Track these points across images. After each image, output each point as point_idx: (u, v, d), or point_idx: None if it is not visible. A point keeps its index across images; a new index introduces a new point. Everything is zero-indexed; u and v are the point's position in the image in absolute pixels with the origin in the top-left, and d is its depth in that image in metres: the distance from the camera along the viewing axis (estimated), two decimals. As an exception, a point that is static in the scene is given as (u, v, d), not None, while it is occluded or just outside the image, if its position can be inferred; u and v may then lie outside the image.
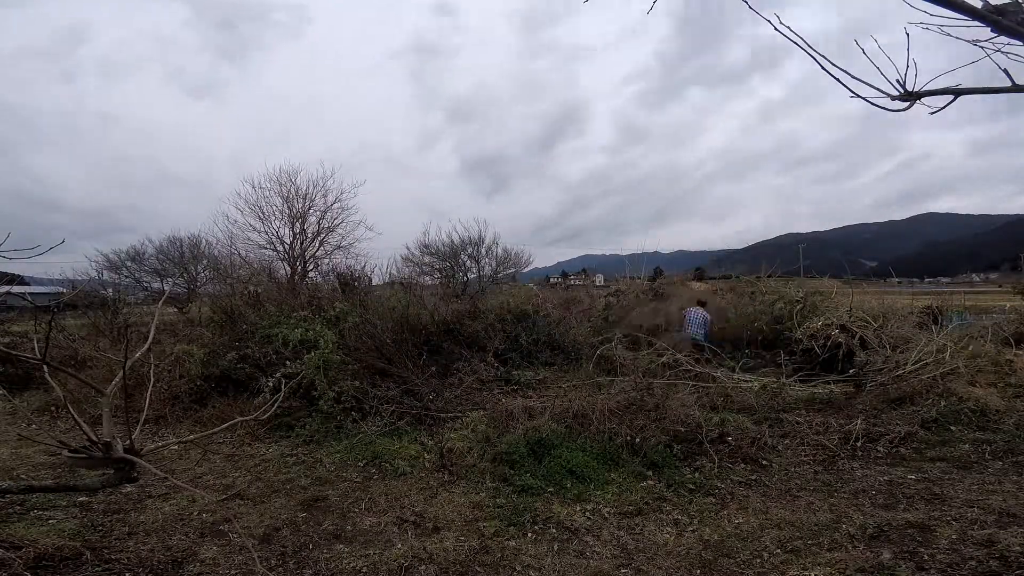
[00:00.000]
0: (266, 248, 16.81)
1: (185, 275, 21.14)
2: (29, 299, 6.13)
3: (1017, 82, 1.69)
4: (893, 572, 2.81)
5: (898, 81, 1.82)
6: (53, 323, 7.73)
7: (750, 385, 6.81)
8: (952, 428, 5.16)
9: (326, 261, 16.73)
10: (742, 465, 4.57)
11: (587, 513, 3.73)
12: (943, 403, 5.48)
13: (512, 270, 21.11)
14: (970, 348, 6.87)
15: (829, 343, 7.68)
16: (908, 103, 1.85)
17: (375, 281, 12.28)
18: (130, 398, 4.83)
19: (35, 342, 5.21)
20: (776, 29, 1.82)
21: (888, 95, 1.85)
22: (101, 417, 3.34)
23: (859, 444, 4.85)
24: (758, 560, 3.05)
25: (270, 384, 6.02)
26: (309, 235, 17.42)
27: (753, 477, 4.34)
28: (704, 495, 4.00)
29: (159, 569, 3.02)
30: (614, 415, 5.15)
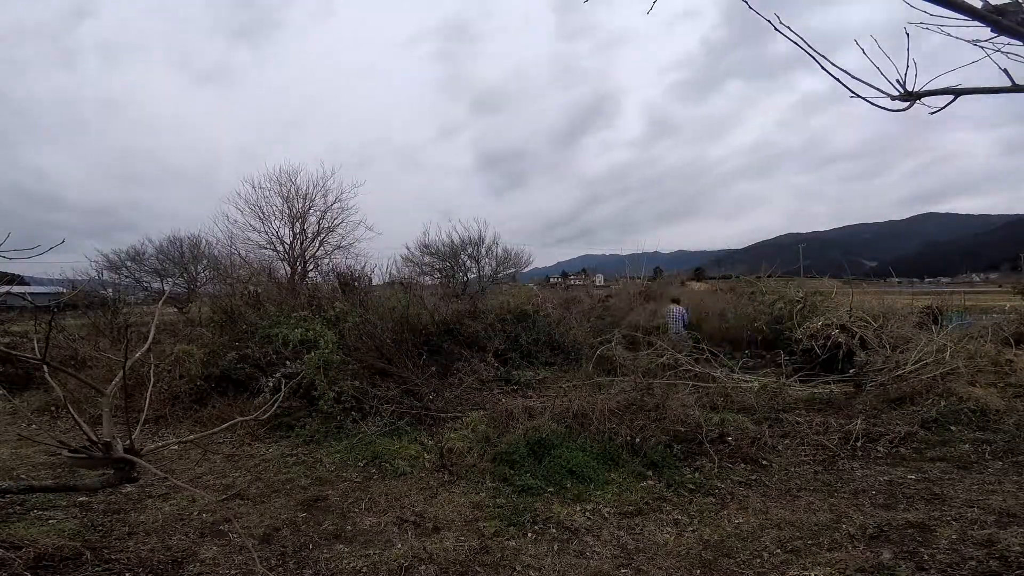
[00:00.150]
0: (266, 248, 16.82)
1: (185, 275, 21.14)
2: (29, 299, 6.12)
3: (1017, 82, 1.69)
4: (893, 572, 2.81)
5: (898, 81, 1.82)
6: (53, 323, 7.73)
7: (750, 385, 6.82)
8: (952, 428, 5.16)
9: (326, 261, 16.73)
10: (742, 465, 4.57)
11: (587, 513, 3.73)
12: (943, 403, 5.48)
13: (512, 270, 21.11)
14: (970, 348, 6.87)
15: (829, 343, 7.68)
16: (908, 103, 1.85)
17: (375, 281, 12.29)
18: (130, 398, 4.83)
19: (35, 342, 5.21)
20: (776, 29, 1.82)
21: (888, 95, 1.85)
22: (101, 417, 3.34)
23: (859, 444, 4.85)
24: (758, 560, 3.05)
25: (270, 384, 6.02)
26: (309, 235, 17.42)
27: (753, 477, 4.34)
28: (704, 495, 4.00)
29: (159, 569, 3.02)
30: (614, 415, 5.15)
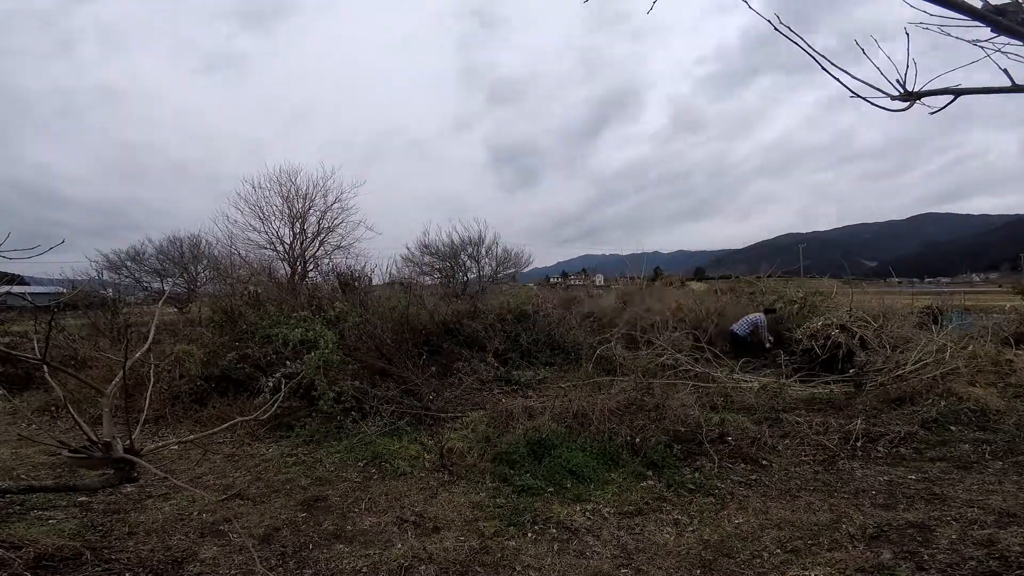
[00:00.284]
0: (266, 248, 16.81)
1: (185, 275, 21.14)
2: (29, 299, 6.12)
3: (1017, 82, 1.69)
4: (893, 572, 2.81)
5: (898, 81, 1.82)
6: (53, 323, 7.73)
7: (750, 385, 6.82)
8: (952, 428, 5.16)
9: (326, 261, 16.72)
10: (742, 465, 4.57)
11: (587, 513, 3.73)
12: (943, 403, 5.48)
13: (512, 270, 21.11)
14: (970, 348, 6.87)
15: (829, 343, 7.69)
16: (908, 103, 1.85)
17: (375, 281, 12.29)
18: (130, 398, 4.83)
19: (35, 342, 5.21)
20: (776, 29, 1.82)
21: (888, 95, 1.85)
22: (101, 417, 3.34)
23: (859, 444, 4.85)
24: (758, 560, 3.05)
25: (270, 384, 6.02)
26: (309, 235, 17.41)
27: (753, 477, 4.34)
28: (704, 495, 4.00)
29: (159, 569, 3.02)
30: (614, 415, 5.15)
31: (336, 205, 17.55)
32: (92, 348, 9.14)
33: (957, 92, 1.81)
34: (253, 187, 16.78)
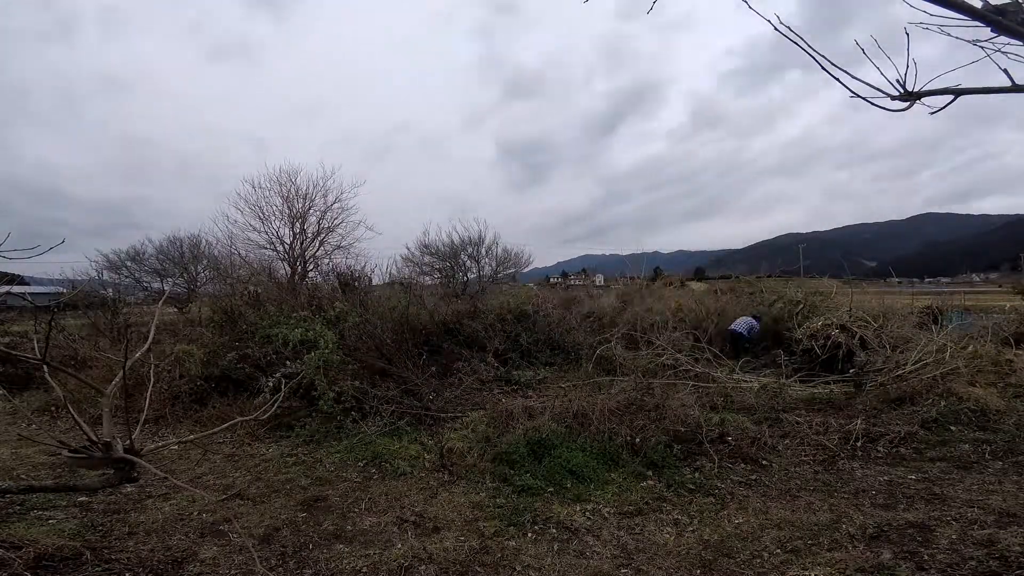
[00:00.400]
0: (266, 248, 16.80)
1: (185, 275, 21.14)
2: (29, 299, 6.12)
3: (1017, 82, 1.69)
4: (893, 572, 2.81)
5: (898, 81, 1.82)
6: (53, 323, 7.73)
7: (750, 385, 6.82)
8: (952, 428, 5.16)
9: (326, 261, 16.71)
10: (742, 465, 4.57)
11: (587, 513, 3.73)
12: (943, 403, 5.48)
13: (512, 270, 21.10)
14: (970, 348, 6.87)
15: (829, 343, 7.69)
16: (908, 103, 1.85)
17: (375, 281, 12.29)
18: (130, 398, 4.83)
19: (35, 342, 5.21)
20: (776, 29, 1.82)
21: (888, 95, 1.85)
22: (101, 417, 3.34)
23: (859, 444, 4.85)
24: (758, 560, 3.05)
25: (270, 384, 6.02)
26: (309, 235, 17.40)
27: (753, 477, 4.34)
28: (704, 495, 4.00)
29: (159, 569, 3.02)
30: (614, 415, 5.15)
31: (336, 205, 17.56)
32: (92, 348, 9.14)
33: (957, 92, 1.81)
34: (253, 187, 16.79)
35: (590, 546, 3.29)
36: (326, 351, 6.34)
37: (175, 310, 17.73)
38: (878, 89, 1.84)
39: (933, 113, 1.87)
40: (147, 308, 15.98)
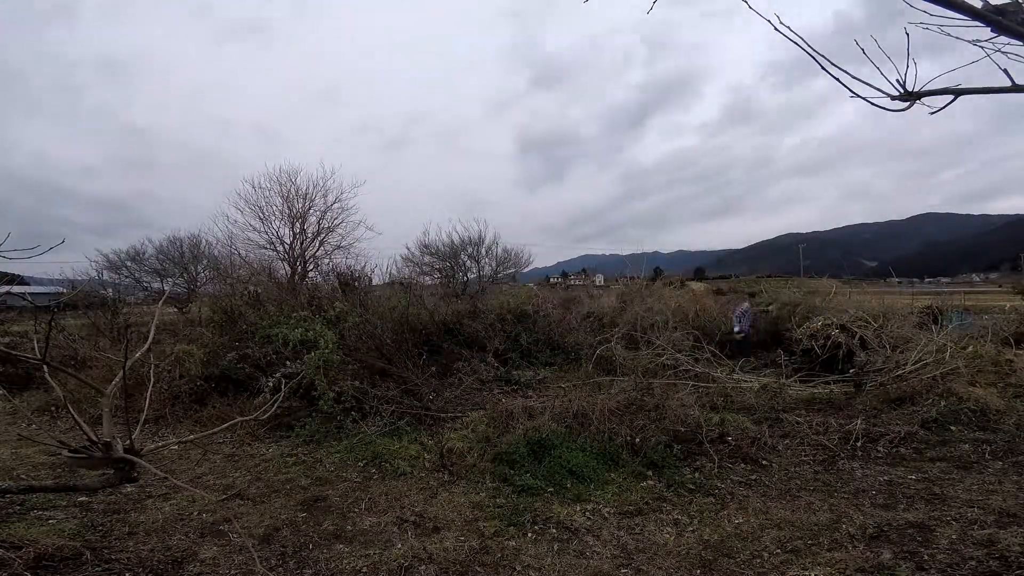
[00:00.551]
0: (266, 248, 16.82)
1: (185, 275, 21.15)
2: (29, 299, 6.13)
3: (1017, 82, 1.69)
4: (893, 572, 2.81)
5: (898, 81, 1.82)
6: (53, 323, 7.73)
7: (750, 385, 6.82)
8: (952, 428, 5.16)
9: (326, 261, 16.72)
10: (742, 465, 4.57)
11: (587, 513, 3.73)
12: (943, 403, 5.48)
13: (512, 270, 21.13)
14: (970, 348, 6.87)
15: (829, 343, 7.69)
16: (908, 103, 1.85)
17: (375, 281, 12.29)
18: (130, 398, 4.83)
19: (35, 342, 5.21)
20: (776, 29, 1.82)
21: (888, 95, 1.85)
22: (101, 417, 3.34)
23: (859, 444, 4.85)
24: (758, 560, 3.05)
25: (270, 384, 6.03)
26: (309, 235, 17.41)
27: (753, 477, 4.34)
28: (704, 495, 4.00)
29: (159, 569, 3.02)
30: (614, 415, 5.15)
31: (336, 205, 17.57)
32: (92, 348, 9.15)
33: (957, 92, 1.81)
34: (253, 187, 16.80)
35: (590, 546, 3.29)
36: (326, 351, 6.34)
37: (175, 310, 17.73)
38: (878, 89, 1.84)
39: (933, 113, 1.87)
40: (147, 308, 16.00)
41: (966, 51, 1.74)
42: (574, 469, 4.35)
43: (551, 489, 4.11)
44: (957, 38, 1.73)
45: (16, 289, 5.56)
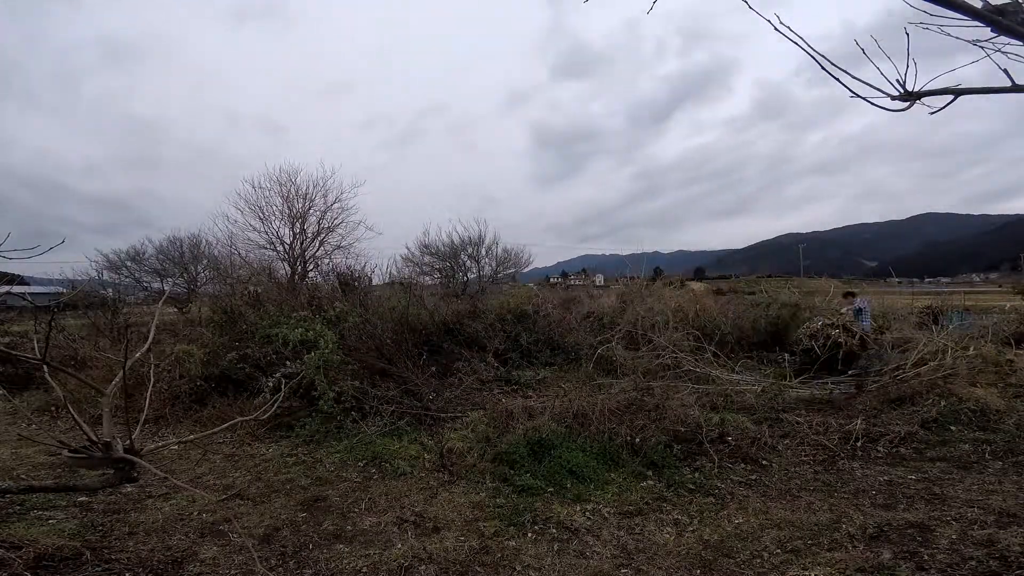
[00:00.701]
0: (266, 248, 16.82)
1: (185, 275, 21.15)
2: (29, 299, 6.13)
3: (1017, 82, 1.69)
4: (893, 572, 2.81)
5: (898, 81, 1.82)
6: (53, 323, 7.73)
7: (750, 385, 6.82)
8: (952, 428, 5.16)
9: (326, 261, 16.72)
10: (742, 465, 4.57)
11: (587, 513, 3.73)
12: (943, 403, 5.49)
13: (512, 270, 21.14)
14: (970, 348, 6.87)
15: (829, 343, 7.69)
16: (908, 103, 1.85)
17: (375, 281, 12.29)
18: (130, 398, 4.83)
19: (35, 342, 5.21)
20: (776, 29, 1.82)
21: (888, 95, 1.85)
22: (101, 417, 3.34)
23: (859, 444, 4.85)
24: (758, 560, 3.05)
25: (270, 384, 6.02)
26: (309, 235, 17.42)
27: (753, 477, 4.34)
28: (704, 495, 4.00)
29: (159, 569, 3.02)
30: (614, 415, 5.15)
31: (336, 205, 17.58)
32: (92, 348, 9.14)
33: (957, 92, 1.81)
34: (253, 187, 16.81)
35: (590, 546, 3.29)
36: (326, 351, 6.34)
37: (175, 310, 17.72)
38: (878, 89, 1.84)
39: (933, 113, 1.87)
40: (147, 308, 15.99)
41: (966, 51, 1.75)
42: (574, 469, 4.35)
43: (551, 489, 4.11)
44: (957, 38, 1.73)
45: (16, 289, 5.57)
